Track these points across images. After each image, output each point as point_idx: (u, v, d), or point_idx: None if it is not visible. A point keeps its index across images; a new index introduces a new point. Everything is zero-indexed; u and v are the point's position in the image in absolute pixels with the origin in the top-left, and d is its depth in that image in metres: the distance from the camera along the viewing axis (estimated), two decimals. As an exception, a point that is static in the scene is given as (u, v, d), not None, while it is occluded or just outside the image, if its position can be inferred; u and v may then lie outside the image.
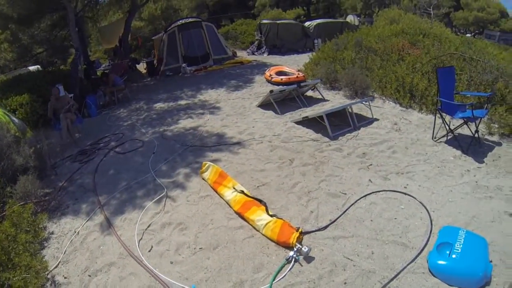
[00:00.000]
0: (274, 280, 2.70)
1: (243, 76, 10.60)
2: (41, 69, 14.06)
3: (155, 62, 13.92)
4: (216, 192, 4.09)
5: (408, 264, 2.72)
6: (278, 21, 15.47)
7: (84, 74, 10.70)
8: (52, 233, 3.78)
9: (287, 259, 2.86)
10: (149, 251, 3.26)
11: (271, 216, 3.36)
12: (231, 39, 17.83)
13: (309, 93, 7.85)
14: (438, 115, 4.82)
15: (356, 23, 17.88)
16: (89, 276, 3.06)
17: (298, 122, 5.97)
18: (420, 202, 3.47)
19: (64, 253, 3.41)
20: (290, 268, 2.81)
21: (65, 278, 3.09)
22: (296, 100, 7.13)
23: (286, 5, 26.28)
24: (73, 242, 3.57)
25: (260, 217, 3.36)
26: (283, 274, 2.76)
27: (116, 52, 14.52)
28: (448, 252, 2.63)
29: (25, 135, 5.66)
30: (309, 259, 2.88)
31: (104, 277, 3.03)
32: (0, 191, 4.04)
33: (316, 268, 2.79)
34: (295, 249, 2.89)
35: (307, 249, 2.84)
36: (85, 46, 12.79)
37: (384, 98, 6.78)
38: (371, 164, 4.36)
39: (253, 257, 3.00)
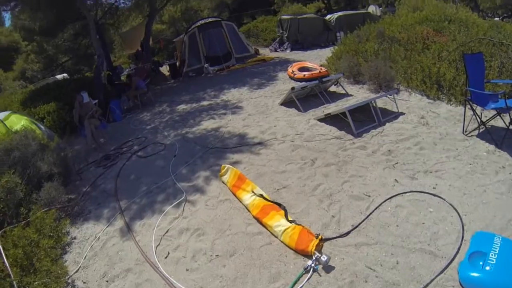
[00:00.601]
0: (290, 291, 2.57)
1: (265, 73, 10.46)
2: (68, 77, 14.62)
3: (177, 64, 14.06)
4: (235, 196, 4.00)
5: (436, 276, 2.47)
6: (298, 16, 15.19)
7: (107, 80, 10.96)
8: (74, 238, 3.86)
9: (305, 269, 2.71)
10: (166, 257, 3.23)
11: (290, 221, 3.22)
12: (253, 37, 17.71)
13: (333, 88, 7.60)
14: (468, 106, 4.48)
15: (378, 14, 17.22)
16: (107, 281, 3.08)
17: (321, 120, 5.78)
18: (451, 205, 3.19)
19: (85, 258, 3.46)
20: (308, 279, 2.65)
21: (84, 283, 3.13)
22: (319, 96, 6.93)
23: (306, -1, 25.83)
24: (93, 247, 3.62)
25: (278, 222, 3.22)
26: (301, 285, 2.61)
27: (138, 56, 14.80)
28: (481, 263, 2.36)
29: (53, 143, 5.83)
30: (328, 268, 2.71)
31: (121, 283, 3.03)
32: (26, 198, 4.16)
33: (335, 279, 2.62)
34: (313, 258, 2.74)
35: (326, 258, 2.68)
36: (107, 52, 13.10)
37: (410, 90, 6.43)
38: (397, 163, 4.11)
39: (270, 266, 2.88)
